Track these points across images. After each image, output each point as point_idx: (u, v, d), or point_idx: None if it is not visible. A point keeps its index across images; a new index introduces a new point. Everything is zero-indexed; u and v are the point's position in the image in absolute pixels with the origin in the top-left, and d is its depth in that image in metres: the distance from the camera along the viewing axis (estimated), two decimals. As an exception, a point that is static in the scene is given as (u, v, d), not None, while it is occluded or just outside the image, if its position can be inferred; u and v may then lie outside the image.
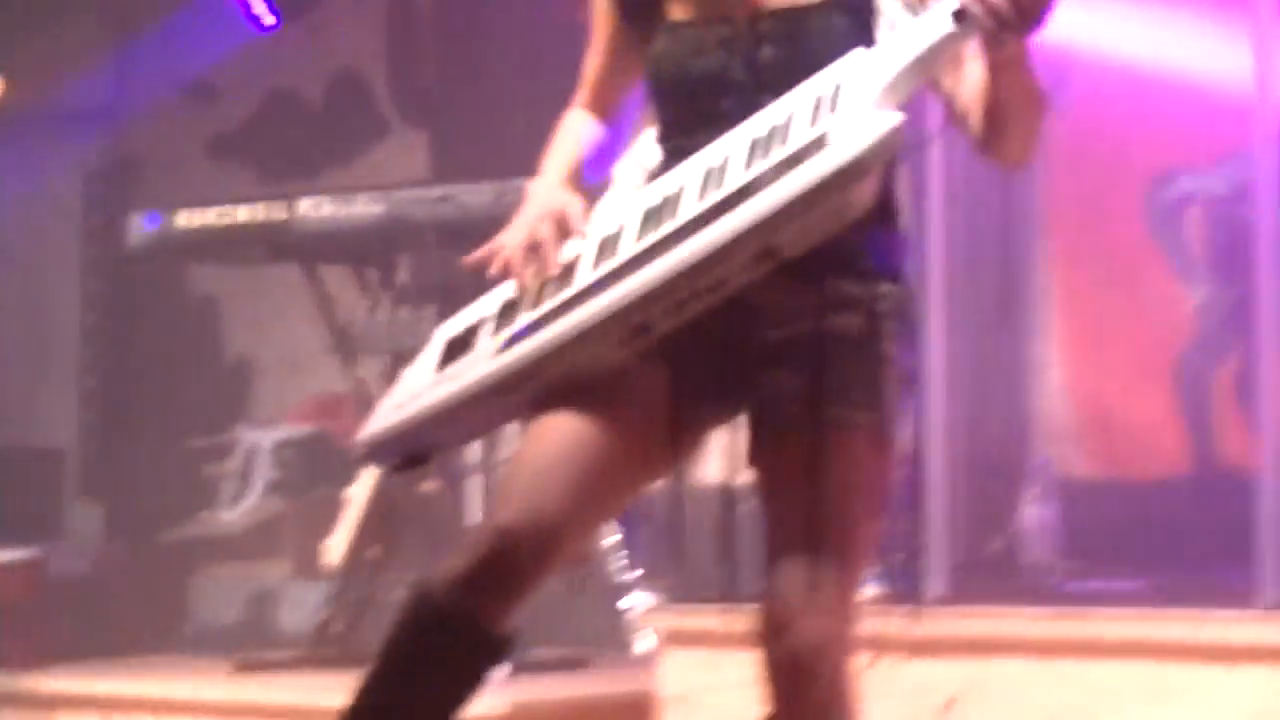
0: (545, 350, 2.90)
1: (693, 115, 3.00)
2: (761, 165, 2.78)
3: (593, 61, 3.24)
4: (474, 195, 6.02)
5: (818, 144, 2.73)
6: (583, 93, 3.27)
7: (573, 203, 3.04)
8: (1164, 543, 5.62)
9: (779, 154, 2.77)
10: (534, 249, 2.98)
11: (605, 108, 3.25)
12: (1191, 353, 6.35)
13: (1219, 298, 6.22)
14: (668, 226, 2.84)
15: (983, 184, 6.32)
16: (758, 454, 2.98)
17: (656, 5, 3.05)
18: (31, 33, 9.15)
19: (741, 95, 2.92)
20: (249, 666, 6.15)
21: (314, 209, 6.26)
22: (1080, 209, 6.62)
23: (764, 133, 2.83)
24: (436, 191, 6.19)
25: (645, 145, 3.18)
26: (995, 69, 2.81)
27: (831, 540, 2.87)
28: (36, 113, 8.54)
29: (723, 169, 2.84)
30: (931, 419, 5.66)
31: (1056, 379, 6.57)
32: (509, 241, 3.01)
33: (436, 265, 6.33)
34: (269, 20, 8.35)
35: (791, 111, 2.81)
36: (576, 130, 3.24)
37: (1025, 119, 2.90)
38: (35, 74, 8.58)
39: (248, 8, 8.38)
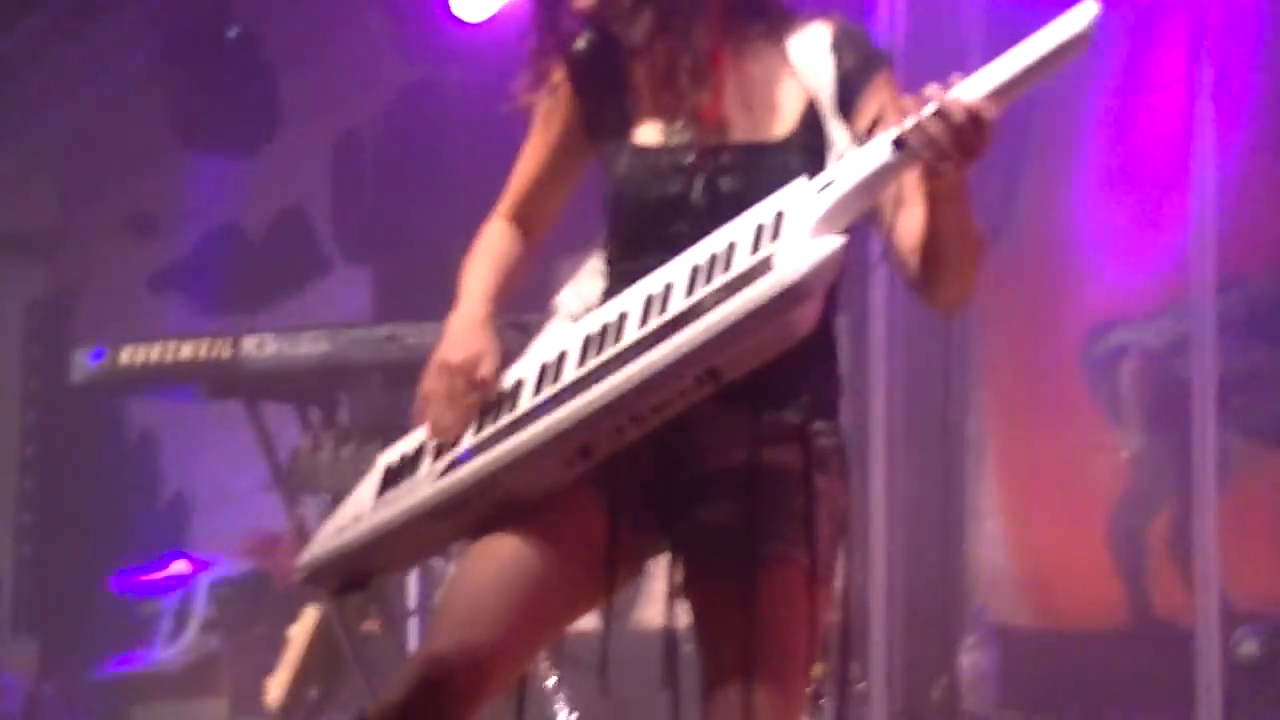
0: (486, 473, 2.87)
1: (645, 237, 2.98)
2: (704, 290, 2.79)
3: (527, 170, 3.18)
4: (419, 335, 5.93)
5: (763, 266, 2.75)
6: (508, 202, 3.20)
7: (484, 352, 3.01)
8: (1102, 694, 5.67)
9: (722, 278, 2.78)
10: (451, 401, 2.97)
11: (531, 222, 3.19)
12: (1126, 504, 6.36)
13: (1153, 449, 6.25)
14: (609, 351, 2.84)
15: (922, 331, 6.38)
16: (690, 583, 2.94)
17: (627, 124, 3.05)
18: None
19: (696, 221, 2.92)
20: (188, 806, 6.13)
21: (258, 347, 6.19)
22: (1017, 359, 6.68)
23: (705, 260, 2.84)
24: (382, 331, 6.14)
25: (587, 276, 3.18)
26: (933, 200, 2.81)
27: (766, 675, 2.83)
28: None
29: (665, 295, 2.84)
30: (872, 565, 5.71)
31: (992, 527, 6.59)
32: (427, 393, 3.00)
33: (380, 405, 6.31)
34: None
35: (733, 238, 2.83)
36: (496, 248, 3.18)
37: (961, 256, 2.88)
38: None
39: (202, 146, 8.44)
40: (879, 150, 2.77)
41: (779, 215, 2.81)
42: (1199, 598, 5.15)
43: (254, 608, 7.47)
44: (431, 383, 2.99)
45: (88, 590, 8.77)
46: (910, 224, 2.89)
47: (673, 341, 2.76)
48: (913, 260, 2.90)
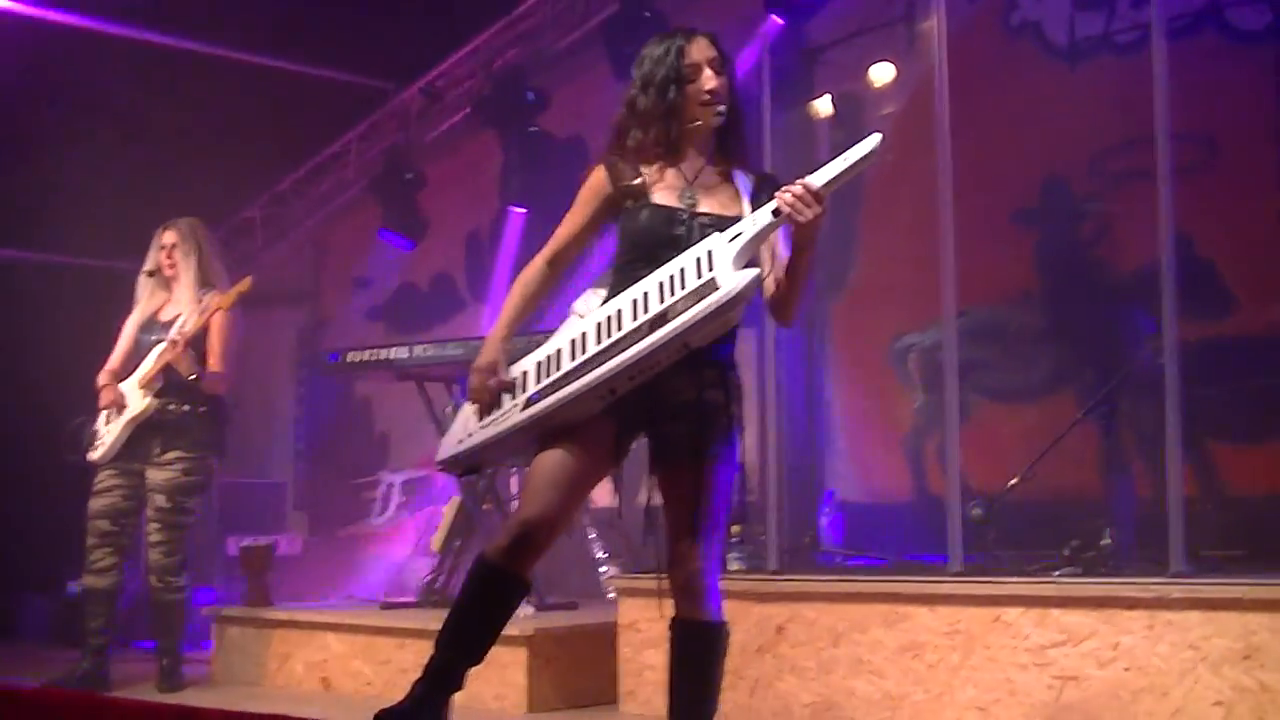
0: (552, 407, 2.83)
1: (651, 257, 2.89)
2: (671, 298, 2.73)
3: (568, 226, 3.00)
4: (513, 344, 5.85)
5: (710, 285, 2.71)
6: (549, 249, 3.01)
7: (496, 361, 2.93)
8: (899, 539, 5.67)
9: (683, 290, 2.72)
10: (478, 391, 2.93)
11: (562, 265, 3.03)
12: (914, 432, 6.39)
13: (928, 403, 6.27)
14: (616, 334, 2.79)
15: (797, 336, 6.37)
16: (658, 469, 2.92)
17: (645, 191, 2.96)
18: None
19: (684, 251, 2.87)
20: (390, 606, 6.10)
21: (424, 351, 6.10)
22: (852, 351, 6.68)
23: (667, 279, 2.79)
24: (494, 341, 6.03)
25: (590, 293, 3.15)
26: (796, 246, 2.79)
27: (704, 521, 2.84)
28: (267, 295, 8.60)
29: (645, 300, 2.79)
30: (769, 468, 5.65)
31: (841, 445, 6.59)
32: (469, 385, 2.98)
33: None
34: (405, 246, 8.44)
35: (683, 265, 2.80)
36: (531, 284, 3.01)
37: (803, 286, 2.85)
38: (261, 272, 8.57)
39: (392, 239, 8.43)
40: (764, 215, 2.80)
41: (709, 253, 2.79)
42: (948, 483, 5.01)
43: (425, 495, 7.41)
44: (471, 379, 2.98)
45: (335, 485, 8.80)
46: (775, 274, 2.92)
47: (666, 329, 2.73)
48: (774, 291, 2.93)
